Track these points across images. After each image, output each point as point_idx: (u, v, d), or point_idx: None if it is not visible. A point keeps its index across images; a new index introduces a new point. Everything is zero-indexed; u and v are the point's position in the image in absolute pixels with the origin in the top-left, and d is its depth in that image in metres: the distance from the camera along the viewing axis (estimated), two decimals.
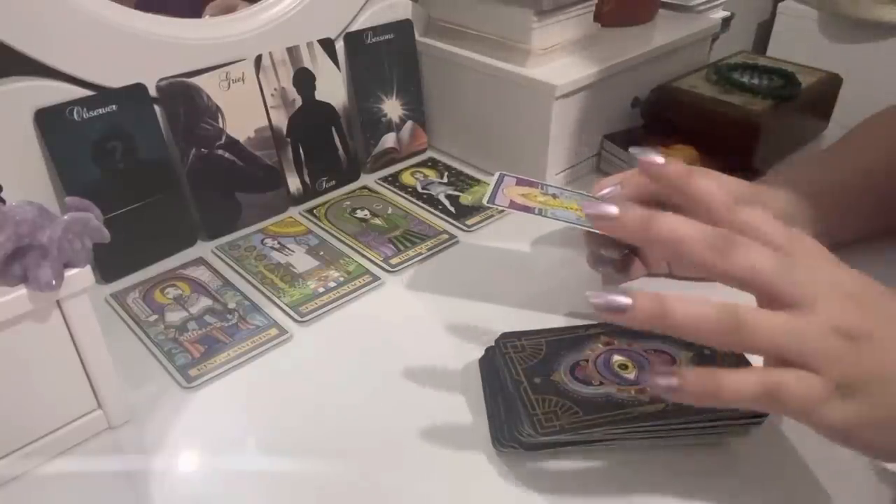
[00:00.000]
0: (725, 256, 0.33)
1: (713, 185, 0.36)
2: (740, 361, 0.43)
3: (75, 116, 0.53)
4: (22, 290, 0.36)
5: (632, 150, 0.40)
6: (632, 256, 0.52)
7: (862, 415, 0.32)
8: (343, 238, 0.61)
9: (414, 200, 0.67)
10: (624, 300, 0.33)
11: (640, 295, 0.33)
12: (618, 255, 0.51)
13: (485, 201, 0.48)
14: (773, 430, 0.42)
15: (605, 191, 0.50)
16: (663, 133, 0.70)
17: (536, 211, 0.48)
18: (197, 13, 0.69)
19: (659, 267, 0.54)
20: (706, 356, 0.44)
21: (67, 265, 0.37)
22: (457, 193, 0.68)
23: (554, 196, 0.50)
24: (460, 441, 0.42)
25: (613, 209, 0.35)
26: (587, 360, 0.44)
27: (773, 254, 0.33)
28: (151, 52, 0.56)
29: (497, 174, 0.52)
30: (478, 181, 0.70)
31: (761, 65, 0.75)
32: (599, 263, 0.52)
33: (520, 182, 0.52)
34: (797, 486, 0.39)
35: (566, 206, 0.49)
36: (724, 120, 0.67)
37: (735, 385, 0.32)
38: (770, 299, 0.34)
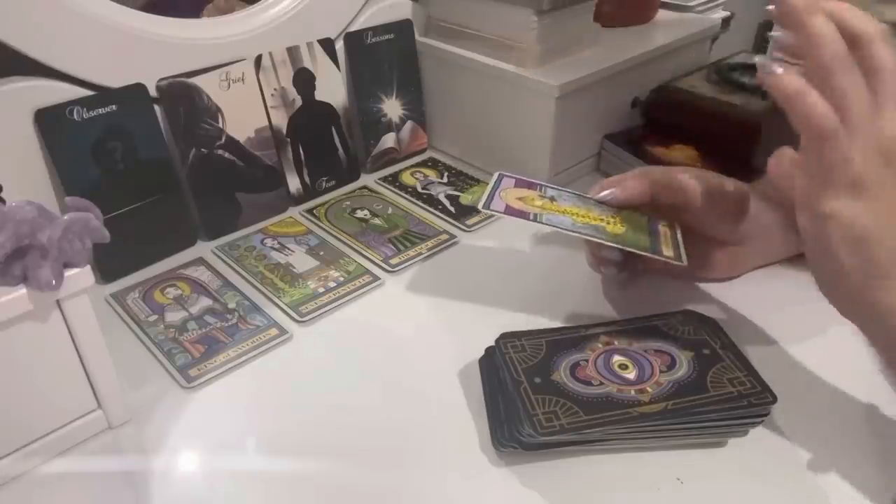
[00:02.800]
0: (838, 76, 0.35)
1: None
2: (741, 361, 0.43)
3: (75, 116, 0.53)
4: (22, 290, 0.36)
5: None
6: (633, 258, 0.52)
7: (854, 220, 0.35)
8: (343, 238, 0.61)
9: (414, 200, 0.67)
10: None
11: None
12: (617, 256, 0.50)
13: (480, 206, 0.48)
14: (772, 430, 0.42)
15: (604, 193, 0.50)
16: (663, 133, 0.70)
17: (532, 217, 0.47)
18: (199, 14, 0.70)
19: (660, 269, 0.54)
20: (705, 356, 0.44)
21: (67, 265, 0.37)
22: (457, 193, 0.68)
23: (552, 199, 0.50)
24: (460, 441, 0.42)
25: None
26: (587, 360, 0.44)
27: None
28: (151, 52, 0.56)
29: (496, 175, 0.52)
30: (478, 181, 0.70)
31: None
32: (602, 265, 0.52)
33: (518, 184, 0.51)
34: (797, 486, 0.39)
35: (564, 210, 0.49)
36: (724, 120, 0.67)
37: (818, 100, 0.35)
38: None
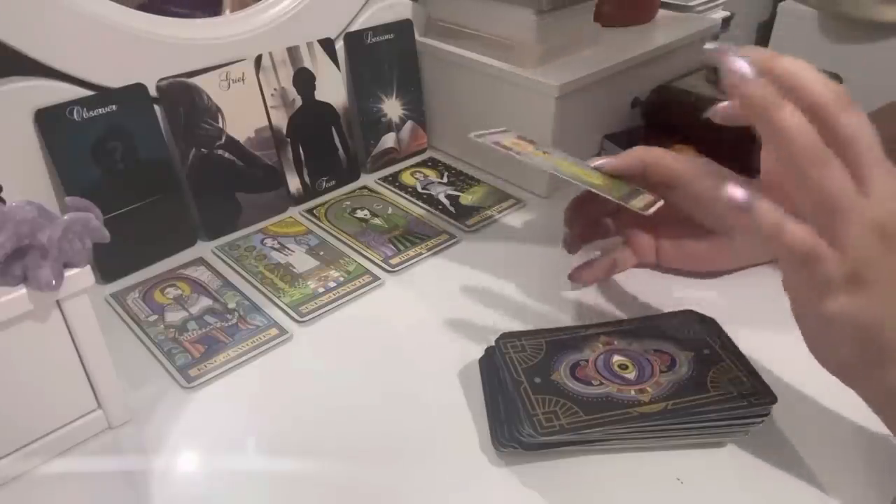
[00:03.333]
0: (815, 171, 0.32)
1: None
2: (741, 361, 0.43)
3: (75, 116, 0.53)
4: (22, 290, 0.36)
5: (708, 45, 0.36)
6: (622, 247, 0.53)
7: (859, 313, 0.33)
8: (343, 238, 0.61)
9: (414, 200, 0.67)
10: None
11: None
12: (567, 234, 0.53)
13: (471, 134, 0.48)
14: (773, 430, 0.42)
15: (600, 162, 0.50)
16: (663, 133, 0.70)
17: (515, 152, 0.48)
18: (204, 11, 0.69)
19: (648, 256, 0.54)
20: (705, 356, 0.44)
21: (67, 265, 0.37)
22: (457, 193, 0.68)
23: (545, 152, 0.50)
24: (460, 441, 0.42)
25: (750, 71, 0.33)
26: (587, 360, 0.44)
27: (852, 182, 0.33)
28: (151, 52, 0.56)
29: (502, 128, 0.52)
30: (478, 181, 0.70)
31: None
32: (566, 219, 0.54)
33: (521, 137, 0.52)
34: (797, 487, 0.39)
35: (553, 160, 0.49)
36: None
37: (794, 230, 0.33)
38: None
